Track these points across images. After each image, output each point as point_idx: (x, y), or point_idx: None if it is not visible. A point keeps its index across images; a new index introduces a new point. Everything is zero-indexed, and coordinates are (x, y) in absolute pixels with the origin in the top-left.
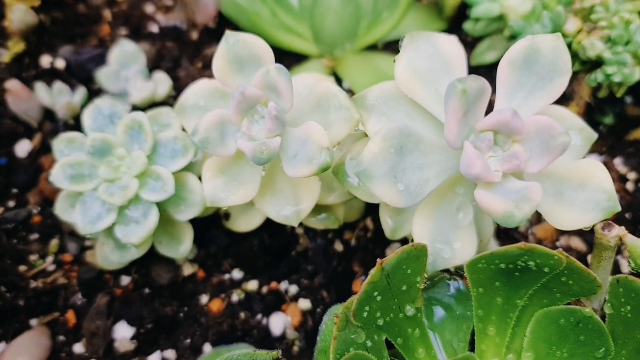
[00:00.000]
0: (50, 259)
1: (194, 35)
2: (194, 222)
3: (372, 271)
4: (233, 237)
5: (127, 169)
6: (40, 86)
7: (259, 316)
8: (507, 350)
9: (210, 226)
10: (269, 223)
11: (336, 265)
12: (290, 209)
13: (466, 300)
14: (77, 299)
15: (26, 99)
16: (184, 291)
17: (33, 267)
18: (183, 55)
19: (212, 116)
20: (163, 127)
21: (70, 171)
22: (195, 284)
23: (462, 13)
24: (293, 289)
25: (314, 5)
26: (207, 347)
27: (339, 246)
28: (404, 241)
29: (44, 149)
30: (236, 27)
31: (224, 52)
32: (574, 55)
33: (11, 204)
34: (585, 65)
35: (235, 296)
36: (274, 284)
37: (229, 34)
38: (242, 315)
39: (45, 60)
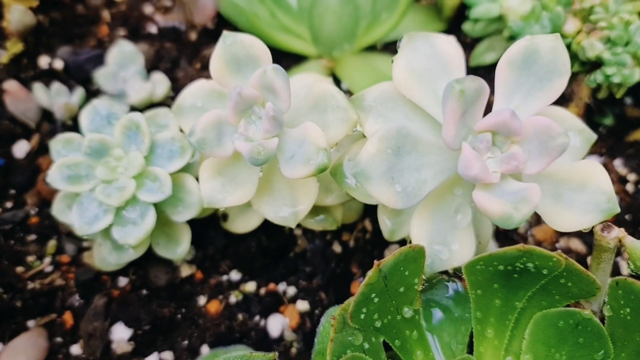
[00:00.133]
0: (47, 260)
1: (193, 36)
2: (191, 223)
3: (370, 273)
4: (231, 238)
5: (125, 169)
6: (38, 87)
7: (257, 318)
8: (505, 352)
9: (208, 227)
10: (267, 224)
11: (334, 267)
12: (288, 210)
13: (465, 302)
14: (74, 300)
15: (24, 100)
16: (181, 292)
17: (30, 268)
18: (181, 56)
19: (209, 117)
20: (161, 128)
21: (67, 172)
22: (192, 286)
23: (461, 14)
24: (291, 291)
25: (313, 6)
26: (204, 349)
27: (337, 247)
28: (403, 242)
29: (42, 149)
30: (235, 28)
31: (221, 53)
32: (574, 56)
33: (9, 204)
34: (584, 66)
35: (233, 298)
36: (272, 286)
37: (226, 35)
38: (240, 316)
39: (43, 61)
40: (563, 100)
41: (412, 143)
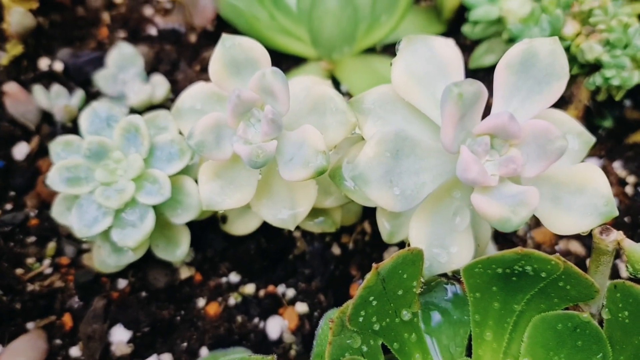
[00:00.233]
0: (47, 262)
1: (192, 38)
2: (190, 225)
3: (368, 276)
4: (230, 240)
5: (124, 172)
6: (38, 89)
7: (256, 320)
8: (504, 355)
9: (207, 229)
10: (266, 226)
11: (333, 269)
12: (287, 212)
13: (463, 304)
14: (73, 302)
15: (24, 102)
16: (180, 294)
17: (30, 270)
18: (181, 58)
19: (208, 119)
20: (160, 130)
21: (66, 174)
22: (192, 288)
23: (460, 16)
24: (290, 293)
25: (312, 9)
26: (203, 351)
27: (336, 250)
28: (402, 245)
29: (41, 151)
30: (234, 30)
31: (220, 56)
32: (573, 59)
33: (8, 206)
34: (583, 68)
35: (232, 300)
36: (271, 288)
37: (225, 37)
38: (239, 318)
39: (43, 63)
40: (562, 103)
41: (411, 146)
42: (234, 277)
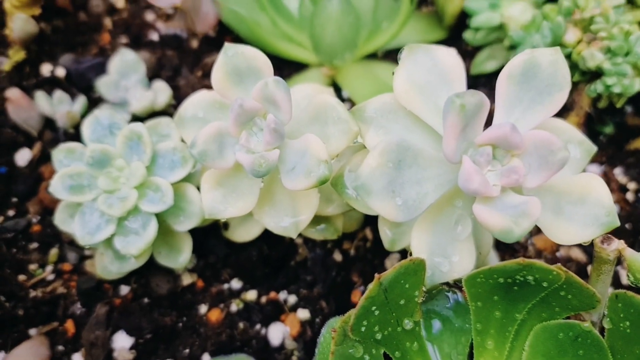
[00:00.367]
0: (49, 268)
1: (194, 43)
2: (193, 232)
3: (370, 286)
4: (232, 247)
5: (126, 180)
6: (40, 95)
7: (258, 326)
8: None
9: (210, 236)
10: (267, 233)
11: (335, 276)
12: (289, 220)
13: (465, 312)
14: (76, 308)
15: (26, 108)
16: (183, 301)
17: (32, 277)
18: (183, 64)
19: (211, 128)
20: (162, 138)
21: (69, 182)
22: (194, 294)
23: (462, 22)
24: (292, 299)
25: (314, 15)
26: (205, 357)
27: (338, 256)
28: (404, 252)
29: (44, 158)
30: (236, 36)
31: (222, 64)
32: (574, 66)
33: (11, 213)
34: (585, 75)
35: (234, 306)
36: (272, 294)
37: (228, 47)
38: (241, 325)
39: (45, 69)
40: (564, 109)
41: (413, 156)
42: (235, 284)
